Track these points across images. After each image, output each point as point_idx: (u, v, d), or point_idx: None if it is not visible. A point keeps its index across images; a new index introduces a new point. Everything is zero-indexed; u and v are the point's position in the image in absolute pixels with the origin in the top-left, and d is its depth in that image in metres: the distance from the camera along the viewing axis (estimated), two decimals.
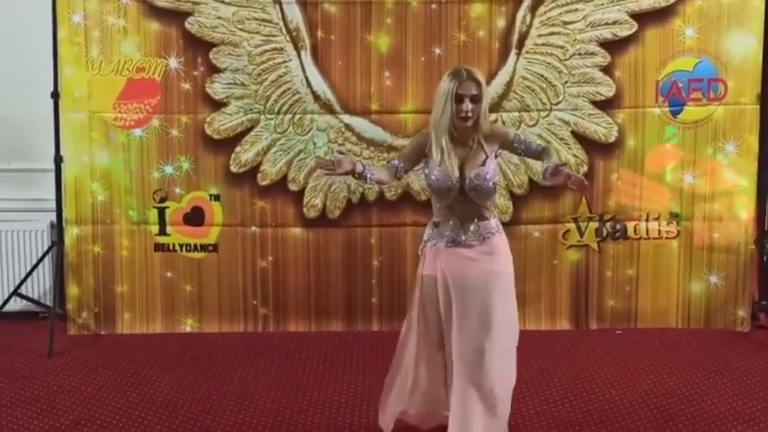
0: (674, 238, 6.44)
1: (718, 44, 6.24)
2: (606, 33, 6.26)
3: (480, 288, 4.22)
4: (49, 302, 6.48)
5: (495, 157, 4.33)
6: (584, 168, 6.36)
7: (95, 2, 6.21)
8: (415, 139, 4.62)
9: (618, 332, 6.48)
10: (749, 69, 6.25)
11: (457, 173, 4.22)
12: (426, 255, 4.36)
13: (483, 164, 4.24)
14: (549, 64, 6.30)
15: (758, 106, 6.27)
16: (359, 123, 6.38)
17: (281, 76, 6.33)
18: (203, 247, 6.51)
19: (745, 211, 6.36)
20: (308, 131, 6.37)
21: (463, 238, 4.26)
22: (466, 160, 4.25)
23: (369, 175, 4.21)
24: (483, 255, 4.26)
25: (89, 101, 6.31)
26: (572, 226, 6.48)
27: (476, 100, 4.16)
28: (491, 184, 4.25)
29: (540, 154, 4.43)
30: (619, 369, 5.75)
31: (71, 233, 6.42)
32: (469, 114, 4.16)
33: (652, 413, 5.07)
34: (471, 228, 4.27)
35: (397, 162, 4.39)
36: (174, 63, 6.30)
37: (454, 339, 4.23)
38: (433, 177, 4.23)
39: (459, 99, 4.15)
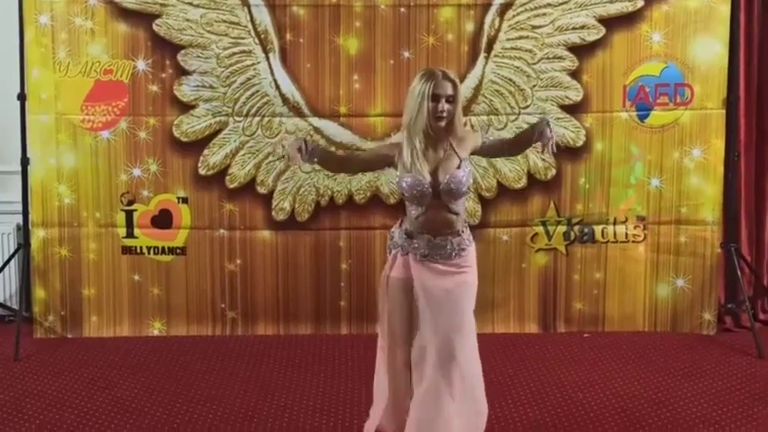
0: (641, 241, 6.49)
1: (685, 49, 6.29)
2: (574, 38, 6.29)
3: (451, 298, 4.19)
4: (15, 305, 6.45)
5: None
6: (553, 172, 6.39)
7: (62, 3, 6.17)
8: (381, 146, 4.60)
9: (586, 335, 6.51)
10: (715, 74, 6.29)
11: (428, 177, 4.12)
12: (397, 259, 4.29)
13: (458, 167, 4.17)
14: (518, 68, 6.33)
15: (724, 111, 6.32)
16: (328, 126, 6.37)
17: (249, 79, 6.32)
18: (171, 250, 6.48)
19: (712, 214, 6.41)
20: (277, 134, 6.36)
21: (437, 256, 4.18)
22: (439, 164, 4.16)
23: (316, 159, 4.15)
24: (455, 267, 4.21)
25: (56, 103, 6.27)
26: (540, 229, 6.50)
27: (451, 100, 4.10)
28: (465, 188, 4.20)
29: (514, 141, 4.58)
30: (587, 372, 5.78)
31: (37, 236, 6.38)
32: (444, 114, 4.09)
33: (620, 416, 5.10)
34: (446, 246, 4.18)
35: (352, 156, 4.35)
36: (141, 65, 6.28)
37: (425, 340, 4.17)
38: (404, 184, 4.13)
39: (435, 98, 4.08)
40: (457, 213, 4.21)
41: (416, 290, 4.19)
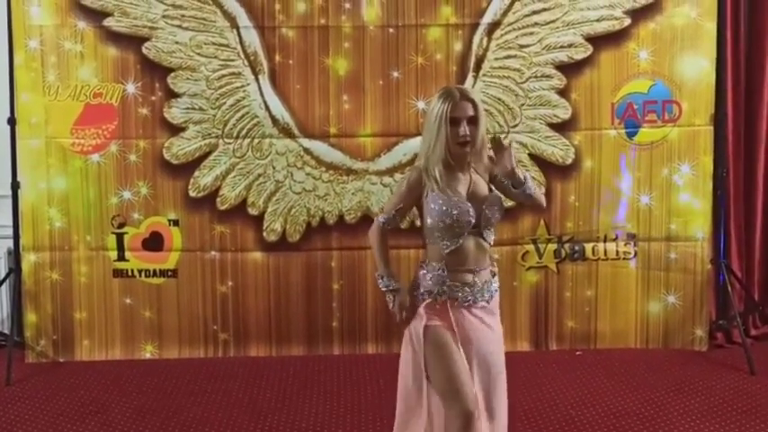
0: (631, 258, 6.50)
1: (672, 66, 6.32)
2: (562, 56, 6.32)
3: (495, 352, 4.00)
4: (6, 330, 6.43)
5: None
6: (542, 190, 6.40)
7: (52, 27, 6.19)
8: (406, 178, 3.95)
9: (578, 353, 6.51)
10: (703, 91, 6.32)
11: (468, 203, 3.80)
12: (427, 306, 3.84)
13: (491, 191, 3.91)
14: (506, 87, 6.35)
15: (712, 127, 6.34)
16: (318, 147, 6.39)
17: (239, 101, 6.34)
18: (162, 273, 6.48)
19: (701, 231, 6.42)
20: (267, 156, 6.37)
21: (478, 296, 3.85)
22: (470, 190, 3.85)
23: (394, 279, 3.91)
24: (489, 316, 3.93)
25: (46, 126, 6.27)
26: (531, 247, 6.51)
27: (473, 122, 3.76)
28: (501, 213, 3.91)
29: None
30: (579, 389, 5.78)
31: (28, 260, 6.37)
32: (467, 139, 3.75)
33: None
34: (484, 282, 3.87)
35: (382, 219, 3.92)
36: (131, 88, 6.29)
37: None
38: (454, 212, 3.75)
39: (454, 122, 3.74)
40: (490, 243, 3.91)
41: (455, 334, 3.83)
